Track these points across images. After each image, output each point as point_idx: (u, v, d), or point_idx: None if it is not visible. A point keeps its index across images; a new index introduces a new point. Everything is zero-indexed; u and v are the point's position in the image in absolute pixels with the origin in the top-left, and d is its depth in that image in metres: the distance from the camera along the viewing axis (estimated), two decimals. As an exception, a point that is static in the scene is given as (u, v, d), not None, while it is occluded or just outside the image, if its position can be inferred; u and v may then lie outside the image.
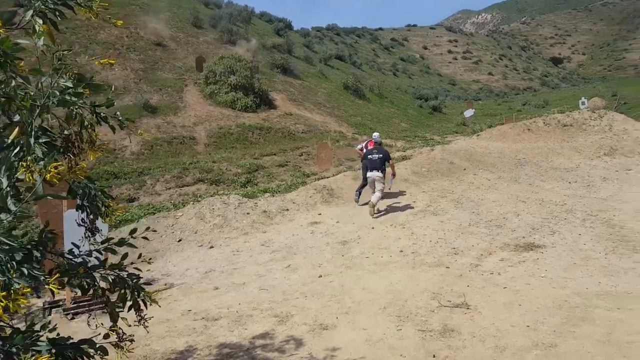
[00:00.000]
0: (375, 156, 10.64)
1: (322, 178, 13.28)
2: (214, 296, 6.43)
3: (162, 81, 21.52)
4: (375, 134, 12.29)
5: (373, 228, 9.39)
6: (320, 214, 10.66)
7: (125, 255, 2.53)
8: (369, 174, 10.65)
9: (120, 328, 2.50)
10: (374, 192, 10.60)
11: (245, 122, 19.94)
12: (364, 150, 11.54)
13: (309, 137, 20.49)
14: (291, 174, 14.57)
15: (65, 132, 2.23)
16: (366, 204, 10.91)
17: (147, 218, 9.73)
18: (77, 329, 5.44)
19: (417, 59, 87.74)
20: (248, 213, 10.26)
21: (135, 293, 2.55)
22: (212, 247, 8.94)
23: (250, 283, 6.90)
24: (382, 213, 10.63)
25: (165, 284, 7.02)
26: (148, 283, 2.68)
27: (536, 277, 6.19)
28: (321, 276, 6.91)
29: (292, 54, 35.42)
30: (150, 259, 2.87)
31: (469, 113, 29.23)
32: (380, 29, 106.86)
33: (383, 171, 10.58)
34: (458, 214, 10.08)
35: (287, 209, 10.86)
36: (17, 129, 2.00)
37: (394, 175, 11.16)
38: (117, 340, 2.50)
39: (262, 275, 7.17)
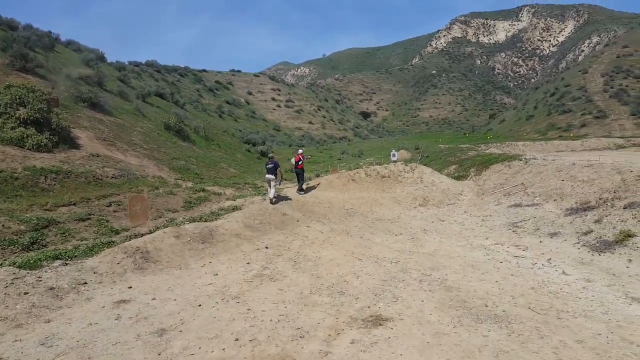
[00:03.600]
0: (270, 165, 15.69)
1: (136, 236, 10.82)
2: None
3: None
4: (300, 150, 19.66)
5: (200, 306, 7.42)
6: (130, 288, 8.26)
7: None
8: (266, 176, 15.80)
9: None
10: (270, 188, 15.67)
11: (37, 164, 15.84)
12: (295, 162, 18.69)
13: (120, 182, 17.33)
14: (95, 230, 11.58)
15: None
16: (313, 187, 18.69)
17: None
18: None
19: (243, 103, 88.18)
20: (26, 293, 7.38)
21: None
22: (-40, 355, 5.96)
23: None
24: (280, 199, 15.94)
25: None
26: None
27: (395, 368, 5.37)
28: (127, 397, 4.84)
29: (103, 87, 31.48)
30: None
31: (296, 160, 28.97)
32: (205, 70, 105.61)
33: (275, 174, 15.72)
34: (298, 279, 9.01)
35: (85, 283, 8.17)
36: None
37: (282, 177, 17.15)
38: None
39: (33, 405, 4.74)
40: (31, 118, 18.04)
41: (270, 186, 15.72)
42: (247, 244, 11.58)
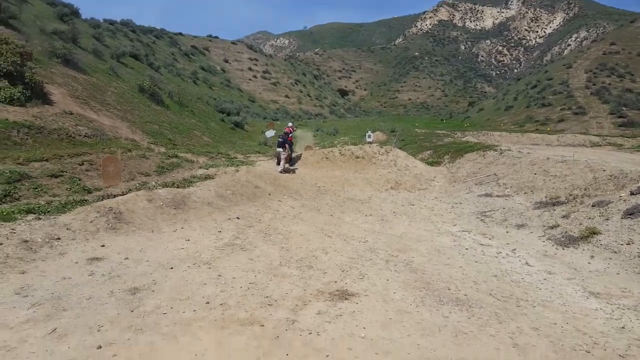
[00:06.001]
0: (280, 140, 18.72)
1: (108, 197, 10.98)
2: None
3: None
4: (290, 123, 22.75)
5: (172, 268, 7.71)
6: (103, 246, 8.50)
7: None
8: (276, 149, 18.75)
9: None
10: (280, 160, 18.49)
11: (9, 117, 15.56)
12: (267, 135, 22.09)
13: (93, 142, 17.19)
14: (67, 187, 11.66)
15: None
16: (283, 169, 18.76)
17: None
18: None
19: (218, 70, 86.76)
20: (1, 244, 7.58)
21: None
22: (-64, 299, 6.11)
23: (-8, 365, 4.69)
24: (290, 169, 19.10)
25: None
26: None
27: (356, 339, 5.77)
28: (101, 347, 5.12)
29: (77, 44, 30.51)
30: None
31: (270, 134, 29.10)
32: (181, 34, 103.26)
33: (284, 148, 18.52)
34: (268, 250, 9.35)
35: (59, 238, 8.37)
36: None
37: (289, 152, 19.41)
38: None
39: (12, 349, 4.99)
40: (4, 70, 17.57)
41: (281, 157, 18.56)
42: (219, 213, 11.86)
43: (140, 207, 10.53)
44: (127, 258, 8.06)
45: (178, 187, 12.66)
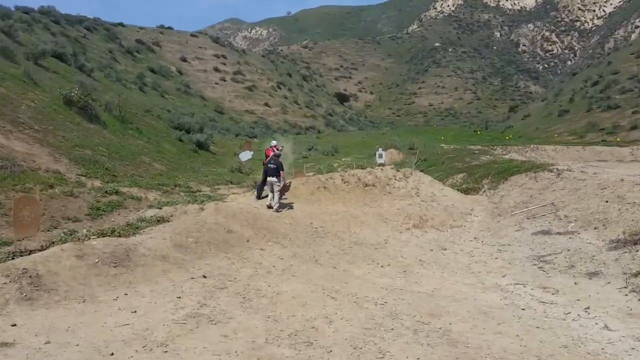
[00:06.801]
0: (272, 166, 18.24)
1: (22, 253, 10.69)
2: None
3: None
4: (274, 142, 21.18)
5: (112, 354, 7.37)
6: (15, 326, 8.12)
7: None
8: (268, 179, 18.22)
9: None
10: (272, 193, 18.22)
11: None
12: (266, 158, 19.50)
13: (1, 176, 16.87)
14: (-36, 242, 11.44)
15: None
16: (266, 196, 18.78)
17: None
18: None
19: (174, 73, 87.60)
20: None
21: None
22: None
23: None
24: (280, 210, 18.17)
25: None
26: None
27: None
28: None
29: (-22, 41, 30.74)
30: None
31: (246, 156, 28.80)
32: (122, 24, 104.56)
33: (278, 177, 18.14)
34: (248, 322, 9.06)
35: (-49, 317, 8.06)
36: None
37: (285, 181, 19.28)
38: None
39: None
40: None
41: (273, 190, 18.19)
42: (178, 271, 11.62)
43: (66, 266, 10.22)
44: (48, 342, 7.69)
45: (120, 236, 12.44)
